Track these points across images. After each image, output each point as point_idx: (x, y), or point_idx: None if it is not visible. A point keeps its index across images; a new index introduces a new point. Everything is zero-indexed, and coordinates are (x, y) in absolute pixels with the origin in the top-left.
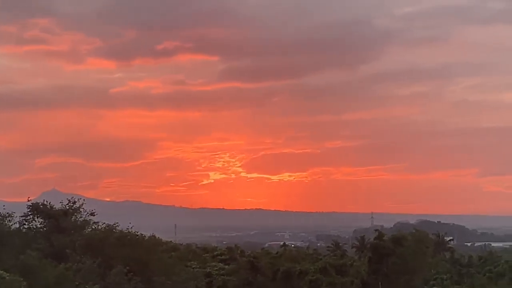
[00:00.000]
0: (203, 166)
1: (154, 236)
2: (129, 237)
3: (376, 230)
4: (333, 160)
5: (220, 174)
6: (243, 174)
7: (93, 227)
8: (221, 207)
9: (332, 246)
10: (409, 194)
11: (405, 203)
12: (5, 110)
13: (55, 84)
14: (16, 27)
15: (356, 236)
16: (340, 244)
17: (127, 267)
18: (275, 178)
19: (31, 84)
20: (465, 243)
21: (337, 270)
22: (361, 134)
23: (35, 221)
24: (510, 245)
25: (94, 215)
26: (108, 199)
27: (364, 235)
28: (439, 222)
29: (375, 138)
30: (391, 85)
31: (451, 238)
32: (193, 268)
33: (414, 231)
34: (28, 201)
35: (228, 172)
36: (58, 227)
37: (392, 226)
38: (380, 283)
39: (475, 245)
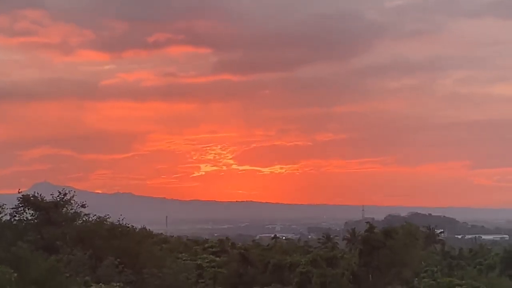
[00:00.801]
0: (194, 158)
1: (145, 228)
2: (120, 229)
3: (367, 222)
4: (324, 153)
5: (212, 166)
6: (234, 166)
7: (84, 219)
8: (213, 199)
9: (323, 238)
10: (400, 187)
11: (396, 195)
12: None
13: (46, 76)
14: (7, 18)
15: (347, 228)
16: (331, 237)
17: (118, 259)
18: (266, 170)
19: (22, 76)
20: (456, 236)
21: (328, 262)
22: (352, 127)
23: (26, 213)
24: (500, 238)
25: (85, 207)
26: (99, 191)
27: (355, 228)
28: (430, 214)
29: (366, 131)
30: (382, 78)
31: (442, 230)
32: (184, 260)
33: (405, 223)
34: (19, 193)
35: (220, 164)
36: (49, 219)
37: (383, 218)
38: (370, 275)
39: (466, 237)
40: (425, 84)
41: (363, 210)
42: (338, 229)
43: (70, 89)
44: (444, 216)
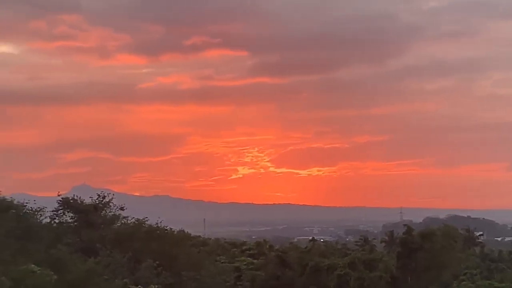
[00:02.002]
0: (231, 160)
1: (183, 231)
2: (158, 231)
3: (405, 225)
4: (361, 155)
5: (249, 168)
6: (271, 169)
7: (123, 221)
8: (250, 202)
9: (360, 240)
10: (438, 188)
11: (434, 197)
12: (35, 106)
13: (84, 80)
14: (45, 23)
15: (385, 231)
16: (369, 239)
17: (156, 262)
18: (303, 173)
19: (60, 79)
20: (495, 238)
21: (366, 265)
22: (389, 129)
23: (66, 215)
24: None
25: (123, 210)
26: (137, 194)
27: (393, 230)
28: (468, 217)
29: (403, 133)
30: (419, 80)
31: (481, 233)
32: (221, 262)
33: (443, 226)
34: (59, 195)
35: (257, 167)
36: (88, 221)
37: (421, 221)
38: (409, 278)
39: (505, 240)
40: (463, 85)
41: (401, 212)
42: (376, 232)
43: (108, 92)
44: (483, 218)
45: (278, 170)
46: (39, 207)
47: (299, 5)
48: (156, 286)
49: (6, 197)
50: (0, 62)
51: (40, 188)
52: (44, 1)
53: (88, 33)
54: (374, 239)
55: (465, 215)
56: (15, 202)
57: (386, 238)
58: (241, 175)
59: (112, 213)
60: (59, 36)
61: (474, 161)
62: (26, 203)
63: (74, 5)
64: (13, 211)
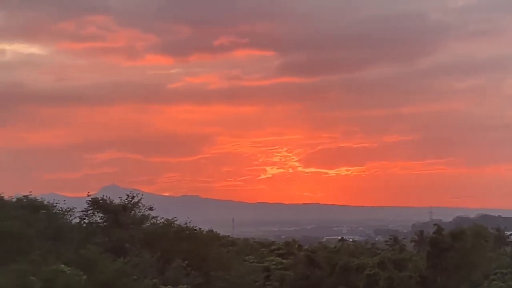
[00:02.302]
0: (260, 160)
1: (212, 231)
2: (187, 231)
3: (434, 224)
4: (390, 154)
5: (278, 168)
6: (300, 169)
7: (152, 221)
8: (279, 202)
9: (390, 240)
10: (468, 188)
11: (464, 197)
12: (64, 106)
13: (112, 81)
14: (74, 24)
15: (414, 230)
16: (398, 239)
17: (185, 262)
18: (332, 172)
19: (89, 80)
20: None
21: (396, 264)
22: (418, 128)
23: (95, 216)
24: None
25: (152, 210)
26: (166, 194)
27: (423, 230)
28: (499, 216)
29: (432, 132)
30: (448, 79)
31: None
32: (250, 262)
33: (473, 225)
34: (88, 196)
35: (286, 166)
36: (117, 221)
37: (451, 220)
38: (438, 277)
39: None
40: (492, 84)
41: (430, 212)
42: (405, 231)
43: (136, 93)
44: None
45: (307, 170)
46: (69, 207)
47: (327, 5)
48: (185, 286)
49: (37, 198)
50: (29, 63)
51: (70, 189)
52: (72, 3)
53: (116, 33)
54: (404, 238)
55: (496, 215)
56: (45, 202)
57: (416, 237)
58: (269, 175)
59: (141, 213)
60: (88, 37)
61: (504, 160)
62: (57, 203)
63: (102, 6)
64: (44, 211)
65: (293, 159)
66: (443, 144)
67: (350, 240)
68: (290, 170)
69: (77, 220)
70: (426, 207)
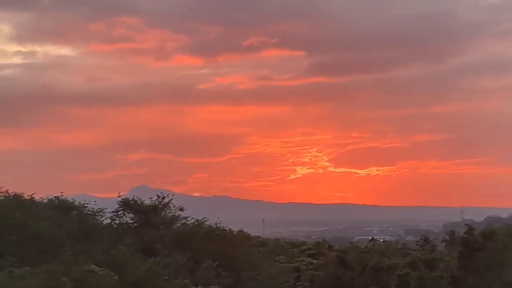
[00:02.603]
0: (290, 160)
1: (242, 231)
2: (217, 232)
3: (466, 224)
4: (421, 154)
5: (308, 168)
6: (330, 169)
7: (182, 222)
8: (309, 202)
9: (421, 240)
10: (499, 187)
11: (495, 196)
12: (94, 107)
13: (142, 81)
14: (104, 25)
15: (445, 230)
16: (429, 239)
17: (216, 262)
18: (362, 172)
19: (119, 81)
20: None
21: (427, 264)
22: (449, 127)
23: (126, 216)
24: None
25: (183, 210)
26: (196, 194)
27: (454, 230)
28: None
29: (463, 131)
30: (478, 78)
31: None
32: (281, 262)
33: (505, 225)
34: (119, 196)
35: (316, 166)
36: (148, 222)
37: (482, 220)
38: (470, 277)
39: None
40: None
41: (462, 211)
42: (436, 231)
43: (166, 93)
44: None
45: (337, 170)
46: (99, 208)
47: (356, 4)
48: (216, 286)
49: (68, 198)
50: (60, 64)
51: (101, 189)
52: (102, 4)
53: (146, 35)
54: (435, 238)
55: None
56: (76, 203)
57: (447, 237)
58: (299, 175)
59: (172, 214)
60: (118, 38)
61: None
62: (87, 204)
63: (132, 7)
64: (75, 212)
65: (323, 159)
66: (474, 144)
67: (381, 240)
68: (320, 170)
69: (108, 220)
70: (457, 207)
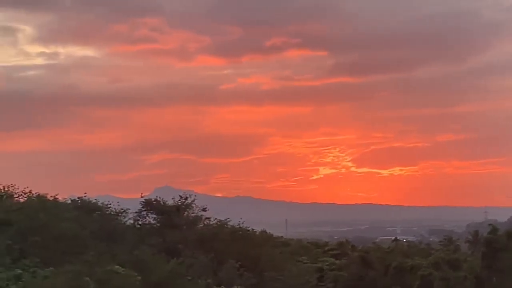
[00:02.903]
0: (312, 161)
1: (265, 231)
2: (240, 232)
3: (489, 224)
4: (444, 154)
5: (330, 169)
6: (353, 169)
7: (205, 222)
8: (332, 202)
9: (444, 240)
10: None
11: None
12: (117, 108)
13: (165, 82)
14: (127, 26)
15: (469, 230)
16: (453, 239)
17: (239, 262)
18: (385, 172)
19: (141, 82)
20: None
21: (450, 265)
22: (472, 127)
23: (149, 217)
24: None
25: (205, 211)
26: (219, 195)
27: (477, 230)
28: None
29: (487, 131)
30: (502, 77)
31: None
32: (304, 263)
33: None
34: (142, 197)
35: (338, 167)
36: (170, 222)
37: (506, 220)
38: (494, 278)
39: None
40: None
41: (485, 211)
42: (460, 231)
43: (189, 94)
44: None
45: (360, 170)
46: (122, 209)
47: (378, 4)
48: (239, 287)
49: (91, 199)
50: (82, 65)
51: (124, 190)
52: (125, 5)
53: (168, 35)
54: (458, 239)
55: None
56: (99, 203)
57: (471, 237)
58: (322, 175)
59: (195, 214)
60: (140, 39)
61: None
62: (111, 204)
63: (154, 8)
64: (98, 212)
65: (345, 159)
66: (497, 143)
67: (404, 240)
68: (343, 170)
69: (131, 221)
70: (481, 207)
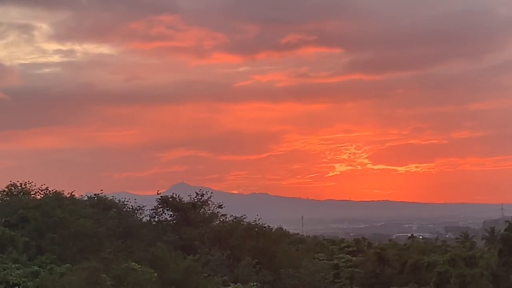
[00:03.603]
0: (328, 158)
1: (281, 228)
2: (256, 229)
3: (506, 221)
4: (460, 151)
5: (346, 166)
6: (369, 166)
7: (221, 219)
8: (348, 199)
9: (460, 237)
10: None
11: None
12: (133, 106)
13: (181, 79)
14: (143, 24)
15: (485, 227)
16: (469, 236)
17: (255, 259)
18: (401, 169)
19: (158, 79)
20: None
21: (466, 262)
22: (488, 124)
23: (165, 214)
24: None
25: (221, 208)
26: (235, 192)
27: (494, 227)
28: None
29: (503, 128)
30: None
31: None
32: (320, 260)
33: None
34: (158, 194)
35: (354, 163)
36: (187, 219)
37: None
38: (511, 275)
39: None
40: None
41: (502, 208)
42: (476, 228)
43: (205, 91)
44: None
45: (376, 167)
46: (139, 206)
47: (394, 2)
48: (255, 283)
49: (108, 196)
50: (99, 63)
51: (140, 187)
52: (141, 3)
53: (184, 33)
54: (475, 236)
55: None
56: (116, 200)
57: (487, 234)
58: (338, 172)
59: (211, 211)
60: (156, 37)
61: None
62: (127, 201)
63: (170, 5)
64: (115, 210)
65: (361, 156)
66: None
67: (420, 237)
68: (359, 167)
69: (147, 218)
70: (497, 203)
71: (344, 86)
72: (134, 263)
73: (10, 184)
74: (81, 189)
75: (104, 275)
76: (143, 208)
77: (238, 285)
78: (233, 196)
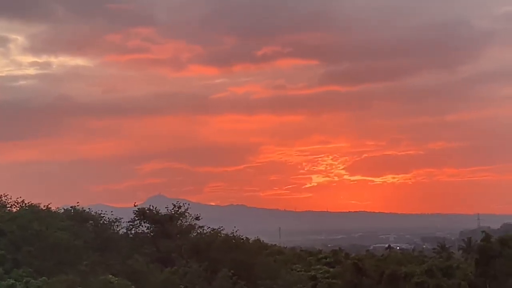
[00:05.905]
0: (305, 169)
1: (259, 240)
2: (234, 241)
3: (482, 231)
4: (436, 162)
5: (323, 177)
6: (346, 177)
7: (199, 231)
8: (325, 210)
9: (438, 248)
10: None
11: None
12: (110, 118)
13: (158, 92)
14: (120, 37)
15: (462, 237)
16: (446, 246)
17: (232, 271)
18: (378, 180)
19: (134, 91)
20: None
21: (444, 272)
22: (464, 135)
23: (142, 226)
24: None
25: (199, 220)
26: (212, 204)
27: (470, 237)
28: None
29: (478, 139)
30: (493, 86)
31: None
32: (298, 271)
33: None
34: (135, 206)
35: (331, 175)
36: (164, 231)
37: (499, 227)
38: (488, 285)
39: None
40: None
41: (478, 219)
42: (453, 239)
43: (182, 103)
44: None
45: (353, 178)
46: (116, 218)
47: (370, 14)
48: None
49: (84, 208)
50: (75, 75)
51: (117, 199)
52: (118, 15)
53: (161, 45)
54: (452, 246)
55: None
56: (93, 213)
57: (464, 245)
58: (315, 184)
59: (188, 223)
60: (133, 49)
61: None
62: (104, 214)
63: (147, 18)
64: (91, 222)
65: (338, 167)
66: (489, 151)
67: (398, 248)
68: (336, 178)
69: (124, 230)
70: (473, 214)
71: (321, 97)
72: (111, 276)
73: None
74: (58, 202)
75: None
76: (120, 221)
77: None
78: (210, 207)
